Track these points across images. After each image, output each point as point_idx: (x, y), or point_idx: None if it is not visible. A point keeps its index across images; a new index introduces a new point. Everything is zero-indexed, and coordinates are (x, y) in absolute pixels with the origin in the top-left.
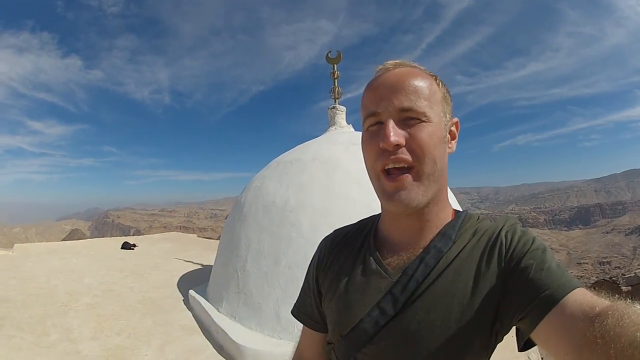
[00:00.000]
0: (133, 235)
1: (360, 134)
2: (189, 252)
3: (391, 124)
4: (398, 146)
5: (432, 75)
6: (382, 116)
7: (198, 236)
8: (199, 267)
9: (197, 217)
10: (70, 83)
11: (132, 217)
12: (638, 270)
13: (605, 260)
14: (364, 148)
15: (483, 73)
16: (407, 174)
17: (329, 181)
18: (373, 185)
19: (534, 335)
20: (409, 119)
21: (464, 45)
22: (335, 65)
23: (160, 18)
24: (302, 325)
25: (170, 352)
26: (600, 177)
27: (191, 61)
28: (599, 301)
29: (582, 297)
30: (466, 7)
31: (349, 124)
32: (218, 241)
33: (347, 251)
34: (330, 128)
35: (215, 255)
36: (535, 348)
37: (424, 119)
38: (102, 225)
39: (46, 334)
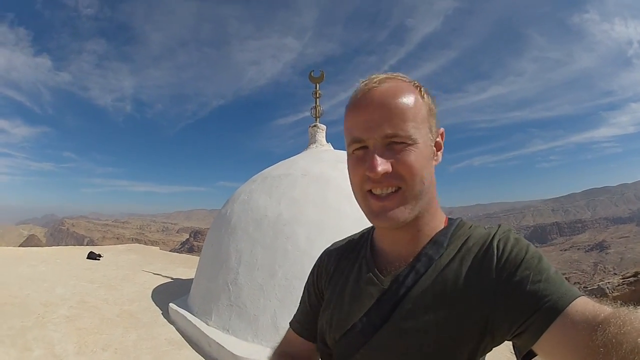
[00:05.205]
0: (87, 244)
1: (341, 152)
2: (155, 265)
3: (377, 152)
4: (386, 173)
5: (417, 86)
6: (367, 142)
7: (161, 249)
8: (169, 280)
9: (149, 230)
10: (38, 83)
11: (86, 226)
12: (601, 283)
13: (564, 276)
14: (350, 170)
15: (443, 96)
16: (394, 195)
17: (322, 197)
18: (359, 203)
19: (536, 347)
20: (395, 144)
21: (426, 67)
22: (318, 85)
23: (132, 25)
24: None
25: None
26: (557, 197)
27: (156, 71)
28: (602, 309)
29: (584, 306)
30: (433, 31)
31: (328, 142)
32: (181, 255)
33: (345, 261)
34: (311, 145)
35: (182, 269)
36: None
37: (409, 142)
38: (58, 232)
39: (29, 348)
